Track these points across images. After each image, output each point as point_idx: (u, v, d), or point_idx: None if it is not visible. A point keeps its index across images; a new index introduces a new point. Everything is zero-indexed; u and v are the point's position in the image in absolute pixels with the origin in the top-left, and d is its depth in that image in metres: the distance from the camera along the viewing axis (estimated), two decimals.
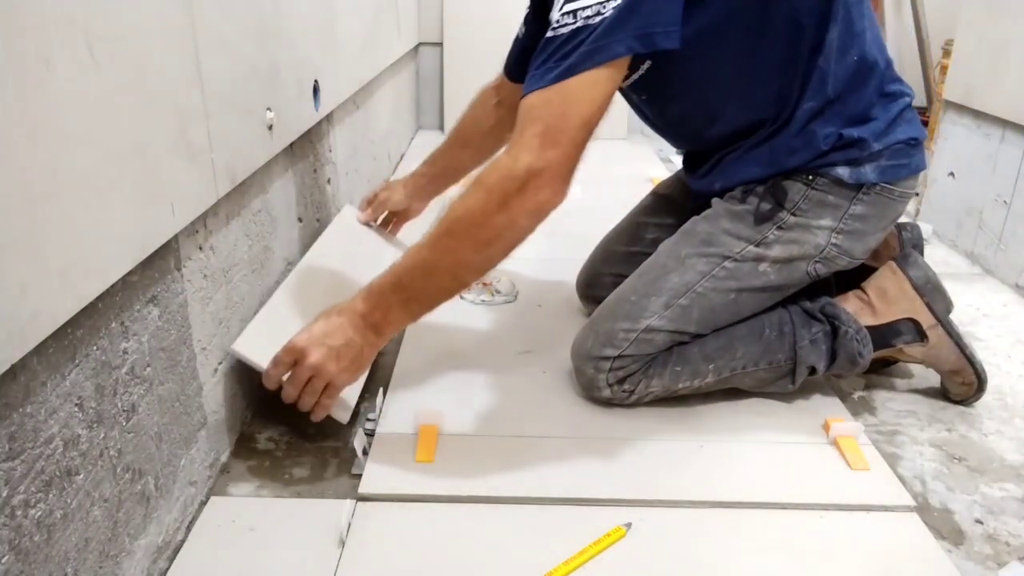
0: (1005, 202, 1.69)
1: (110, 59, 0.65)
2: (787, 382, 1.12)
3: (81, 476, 0.65)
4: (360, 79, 1.73)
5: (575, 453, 1.02)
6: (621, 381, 1.08)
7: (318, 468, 0.99)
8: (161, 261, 0.79)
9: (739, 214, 1.09)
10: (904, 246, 1.23)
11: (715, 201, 1.13)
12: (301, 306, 1.11)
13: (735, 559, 0.86)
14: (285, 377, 0.95)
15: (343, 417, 1.01)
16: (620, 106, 1.14)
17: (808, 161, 1.05)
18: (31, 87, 0.55)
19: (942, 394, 1.21)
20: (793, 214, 1.07)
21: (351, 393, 1.04)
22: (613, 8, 0.86)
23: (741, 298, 1.09)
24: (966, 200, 1.84)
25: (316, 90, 1.31)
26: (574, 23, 0.87)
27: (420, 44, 2.84)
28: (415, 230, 1.54)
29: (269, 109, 1.06)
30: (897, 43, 3.11)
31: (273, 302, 1.10)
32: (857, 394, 1.22)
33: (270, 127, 1.06)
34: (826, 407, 1.14)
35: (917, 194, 2.09)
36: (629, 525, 0.88)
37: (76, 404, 0.64)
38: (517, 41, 1.29)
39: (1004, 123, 1.70)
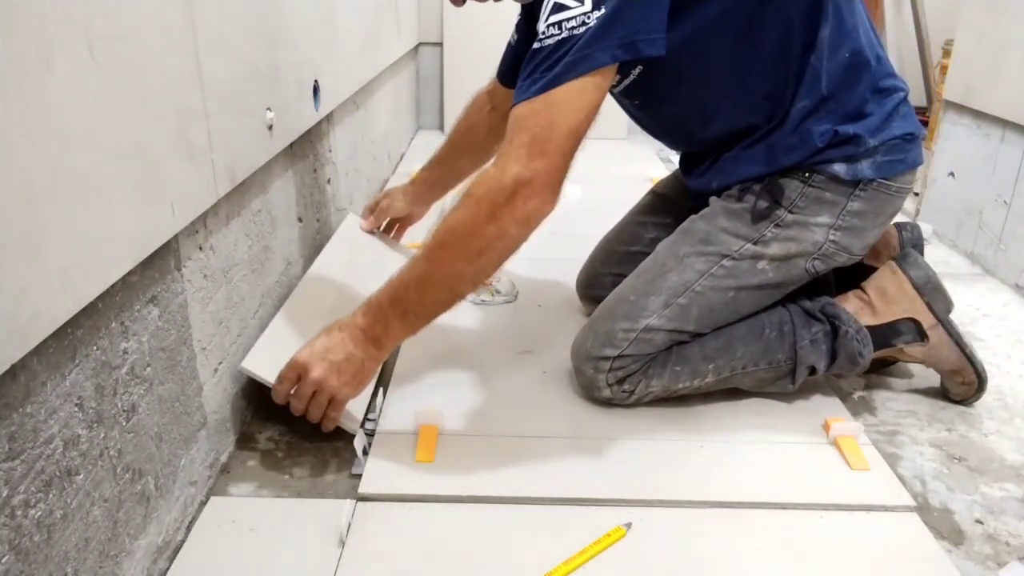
0: (1005, 202, 1.69)
1: (110, 59, 0.65)
2: (787, 382, 1.12)
3: (81, 476, 0.65)
4: (360, 79, 1.73)
5: (575, 453, 1.02)
6: (621, 381, 1.08)
7: (318, 468, 0.99)
8: (161, 261, 0.79)
9: (737, 212, 1.09)
10: (904, 246, 1.23)
11: (713, 200, 1.13)
12: (308, 320, 1.11)
13: (735, 559, 0.86)
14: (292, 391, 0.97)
15: (352, 428, 1.02)
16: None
17: (804, 159, 1.05)
18: (31, 87, 0.55)
19: (942, 394, 1.21)
20: (791, 212, 1.07)
21: (357, 405, 1.04)
22: (597, 18, 0.86)
23: (740, 296, 1.09)
24: (966, 200, 1.84)
25: (316, 90, 1.31)
26: (559, 34, 0.88)
27: (420, 44, 2.84)
28: (416, 231, 1.55)
29: (269, 109, 1.06)
30: (897, 43, 3.11)
31: (280, 317, 1.11)
32: (857, 394, 1.22)
33: (270, 127, 1.06)
34: (826, 407, 1.14)
35: (917, 194, 2.09)
36: (629, 525, 0.89)
37: (76, 404, 0.64)
38: (510, 47, 1.30)
39: (1004, 123, 1.70)
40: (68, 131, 0.60)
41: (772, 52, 1.01)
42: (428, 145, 1.92)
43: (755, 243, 1.08)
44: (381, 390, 1.13)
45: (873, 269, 1.20)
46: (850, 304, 1.16)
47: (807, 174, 1.06)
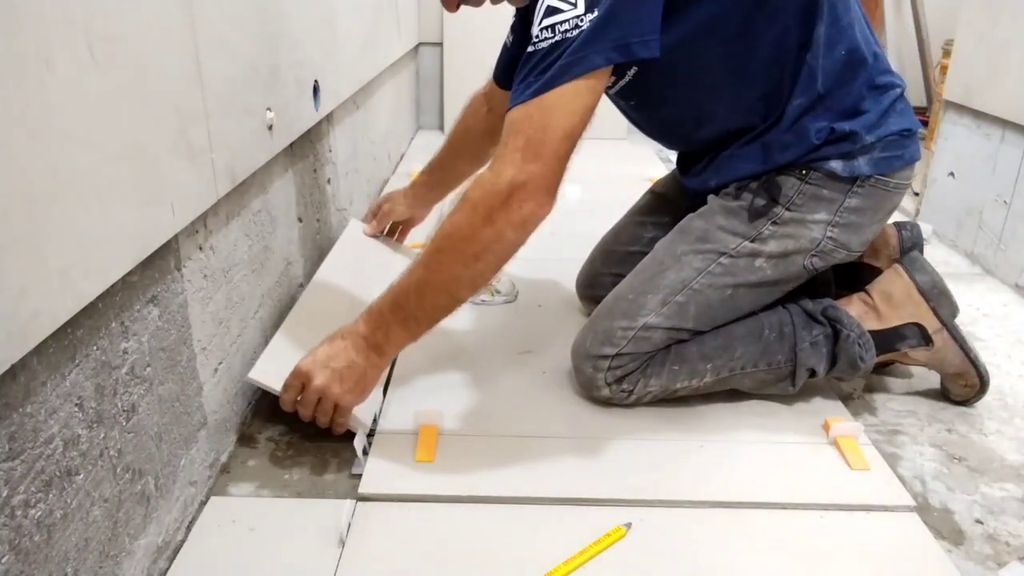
0: (1005, 202, 1.69)
1: (110, 59, 0.65)
2: (787, 384, 1.12)
3: (81, 476, 0.65)
4: (360, 79, 1.73)
5: (575, 453, 1.02)
6: (619, 380, 1.08)
7: (318, 468, 0.99)
8: (161, 261, 0.79)
9: (734, 210, 1.09)
10: (904, 245, 1.23)
11: (710, 198, 1.13)
12: (314, 327, 1.11)
13: (735, 559, 0.86)
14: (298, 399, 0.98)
15: (363, 430, 1.02)
16: None
17: (801, 156, 1.05)
18: (31, 87, 0.55)
19: (942, 394, 1.21)
20: (788, 209, 1.07)
21: (365, 411, 1.04)
22: (590, 21, 0.86)
23: (738, 294, 1.09)
24: (966, 200, 1.84)
25: (316, 90, 1.31)
26: (553, 37, 0.88)
27: (420, 44, 2.84)
28: (419, 232, 1.55)
29: (269, 109, 1.06)
30: (897, 43, 3.11)
31: (286, 325, 1.11)
32: (857, 394, 1.22)
33: (270, 127, 1.06)
34: (826, 407, 1.14)
35: (917, 194, 2.09)
36: (629, 525, 0.89)
37: (76, 404, 0.64)
38: (505, 49, 1.30)
39: (1004, 123, 1.70)
40: (68, 131, 0.60)
41: (768, 52, 1.01)
42: (428, 145, 1.92)
43: (753, 240, 1.08)
44: (381, 390, 1.12)
45: (872, 268, 1.20)
46: (854, 308, 1.16)
47: (804, 171, 1.06)
